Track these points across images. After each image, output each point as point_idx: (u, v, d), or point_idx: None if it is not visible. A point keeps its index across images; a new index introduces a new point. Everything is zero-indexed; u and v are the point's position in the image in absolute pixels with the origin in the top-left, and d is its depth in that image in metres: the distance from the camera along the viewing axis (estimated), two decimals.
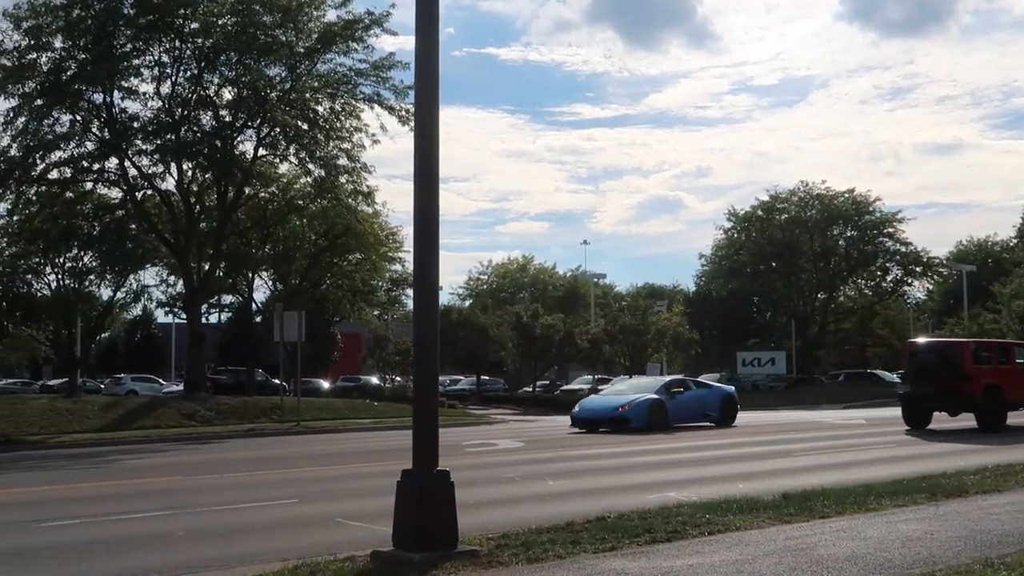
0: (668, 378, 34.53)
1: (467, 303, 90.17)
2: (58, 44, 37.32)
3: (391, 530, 9.20)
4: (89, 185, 40.68)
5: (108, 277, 47.70)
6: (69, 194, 40.41)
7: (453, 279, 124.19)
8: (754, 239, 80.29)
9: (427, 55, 9.40)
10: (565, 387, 62.89)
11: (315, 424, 34.57)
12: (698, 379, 36.41)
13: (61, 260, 44.64)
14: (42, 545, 11.21)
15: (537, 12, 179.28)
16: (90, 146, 38.81)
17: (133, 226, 42.03)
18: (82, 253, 44.54)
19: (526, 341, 55.84)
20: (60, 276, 46.10)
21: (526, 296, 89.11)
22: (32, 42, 36.63)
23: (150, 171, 39.58)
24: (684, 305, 77.58)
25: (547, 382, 68.84)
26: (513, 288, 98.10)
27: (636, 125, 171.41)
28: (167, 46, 38.53)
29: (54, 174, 39.11)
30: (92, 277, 47.06)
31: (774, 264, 79.65)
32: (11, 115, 36.76)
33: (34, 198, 39.85)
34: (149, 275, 52.19)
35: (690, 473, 17.41)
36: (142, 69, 38.64)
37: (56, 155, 38.32)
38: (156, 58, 38.67)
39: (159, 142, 38.77)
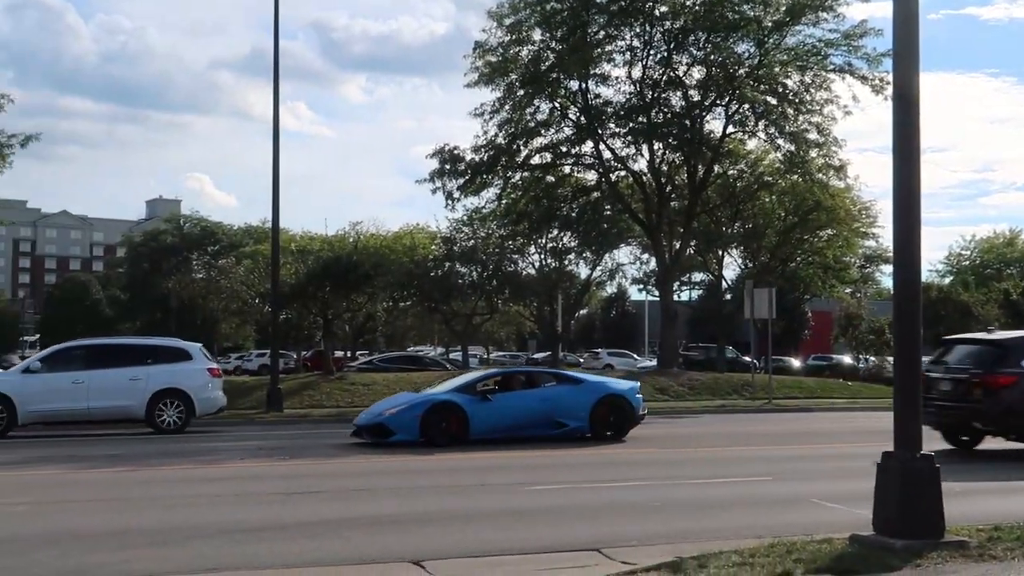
0: (487, 371, 24.83)
1: (947, 280, 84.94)
2: (536, 37, 39.57)
3: (869, 514, 8.84)
4: (567, 169, 42.84)
5: (586, 256, 49.97)
6: (550, 178, 42.79)
7: (931, 255, 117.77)
8: None
9: (906, 20, 8.88)
10: None
11: (786, 403, 34.09)
12: (564, 371, 24.72)
13: (543, 240, 47.33)
14: (529, 507, 11.96)
15: None
16: (567, 131, 40.91)
17: (608, 207, 43.64)
18: (562, 233, 46.91)
19: (1015, 320, 51.60)
20: (542, 256, 48.99)
21: (1014, 272, 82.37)
22: (513, 37, 39.13)
23: (623, 153, 40.98)
24: None
25: None
26: (999, 264, 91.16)
27: None
28: (637, 31, 39.58)
29: (536, 159, 41.58)
30: (571, 256, 49.54)
31: None
32: (497, 105, 39.56)
33: (519, 182, 42.59)
34: (623, 254, 53.95)
35: None
36: (614, 55, 40.03)
37: (537, 141, 40.81)
38: (627, 43, 39.87)
39: (631, 125, 39.99)
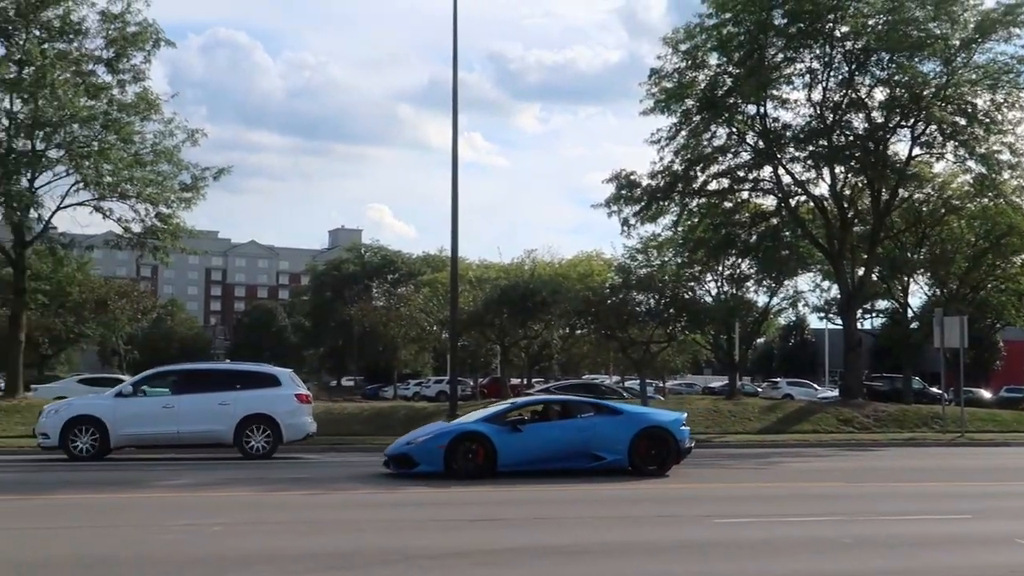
0: (519, 400, 23.28)
1: None
2: (713, 61, 39.08)
3: None
4: (745, 194, 42.09)
5: (764, 283, 49.05)
6: (727, 204, 42.12)
7: None
8: None
9: None
10: None
11: (980, 436, 32.51)
12: (602, 401, 22.83)
13: (720, 268, 46.67)
14: (716, 540, 11.66)
15: None
16: (745, 156, 40.21)
17: (787, 233, 42.67)
18: (740, 260, 46.17)
19: None
20: (719, 283, 48.31)
21: None
22: (689, 62, 38.76)
23: (803, 177, 39.99)
24: None
25: None
26: None
27: None
28: (817, 52, 38.65)
29: (713, 185, 40.99)
30: (749, 283, 48.71)
31: None
32: (673, 131, 39.20)
33: (695, 209, 42.07)
34: (803, 281, 52.67)
35: None
36: (793, 78, 39.18)
37: (714, 167, 40.22)
38: (807, 65, 38.96)
39: (811, 148, 39.02)
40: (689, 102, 39.05)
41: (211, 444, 23.08)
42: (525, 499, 15.52)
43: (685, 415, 20.16)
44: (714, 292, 47.93)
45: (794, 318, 77.31)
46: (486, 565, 10.16)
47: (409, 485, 16.86)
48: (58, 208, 34.18)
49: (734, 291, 47.96)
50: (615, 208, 39.40)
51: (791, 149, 39.63)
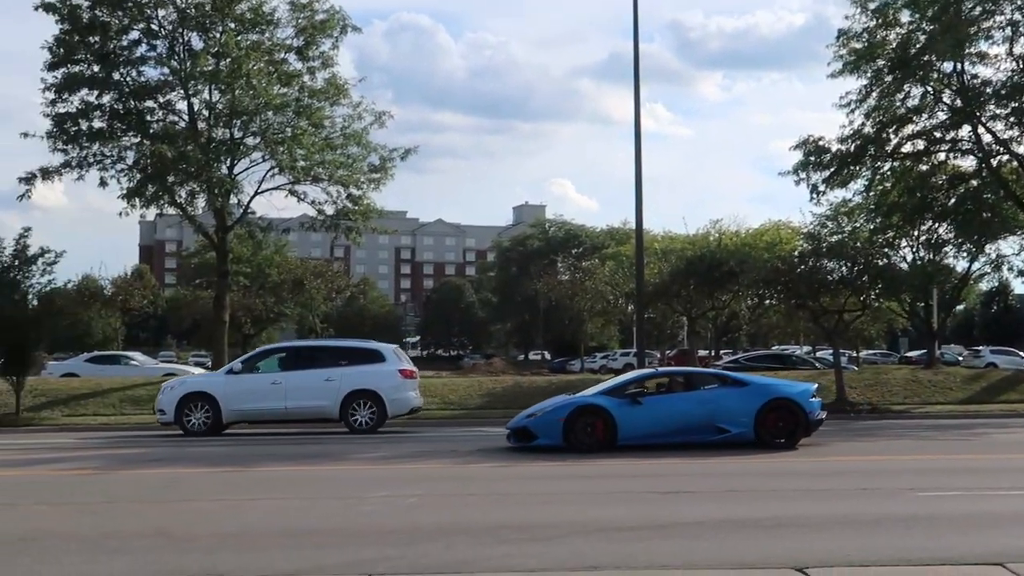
0: (641, 372, 21.84)
1: None
2: (904, 19, 37.42)
3: None
4: (942, 156, 40.27)
5: (964, 248, 46.87)
6: (922, 166, 40.40)
7: None
8: None
9: None
10: None
11: None
12: (728, 373, 21.76)
13: (916, 233, 44.86)
14: (916, 514, 11.25)
15: None
16: (941, 116, 38.40)
17: (989, 194, 40.62)
18: (936, 224, 44.28)
19: None
20: (915, 248, 46.46)
21: None
22: (879, 21, 37.22)
23: (1005, 136, 37.94)
24: None
25: None
26: None
27: None
28: (1019, 3, 36.57)
29: (907, 147, 39.34)
30: (947, 248, 46.65)
31: None
32: (863, 94, 37.77)
33: (888, 173, 40.53)
34: (1006, 244, 50.06)
35: None
36: (992, 31, 37.14)
37: (908, 128, 38.56)
38: (1007, 18, 36.87)
39: (1014, 105, 36.97)
40: (880, 62, 37.53)
41: (318, 419, 23.72)
42: (688, 471, 15.31)
43: (816, 386, 19.56)
44: (909, 258, 46.19)
45: (997, 284, 73.74)
46: (682, 538, 10.07)
47: (563, 459, 16.88)
48: (256, 193, 35.51)
49: (931, 257, 46.07)
50: (803, 175, 38.33)
51: (992, 106, 37.60)
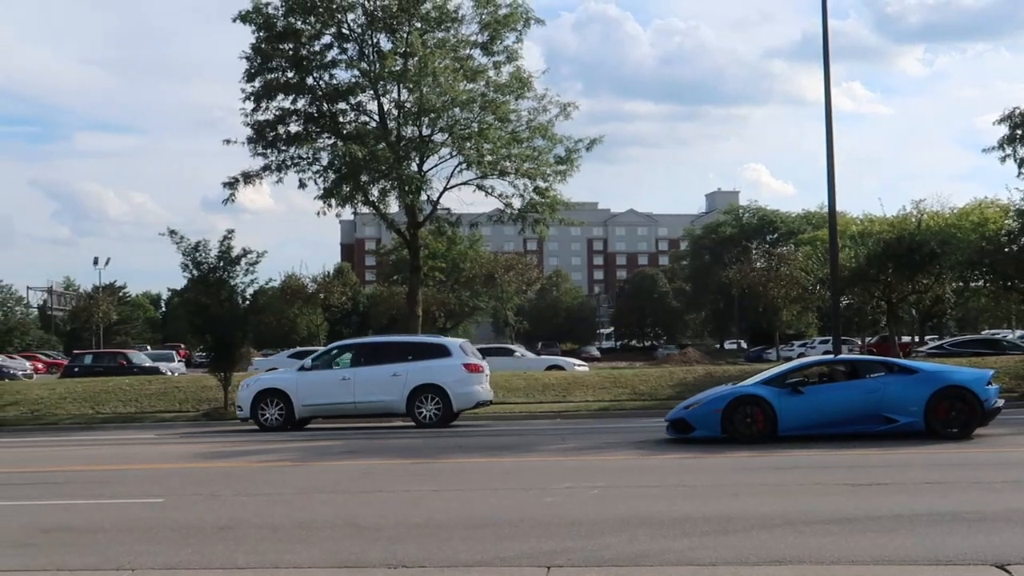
0: (802, 361, 20.80)
1: None
2: None
3: None
4: None
5: None
6: None
7: None
8: None
9: None
10: None
11: None
12: (895, 360, 20.33)
13: None
14: None
15: None
16: None
17: None
18: None
19: None
20: None
21: None
22: None
23: None
24: None
25: None
26: None
27: None
28: None
29: None
30: None
31: None
32: None
33: None
34: None
35: None
36: None
37: None
38: None
39: None
40: None
41: (386, 414, 23.92)
42: (869, 463, 14.64)
43: (992, 373, 18.37)
44: None
45: None
46: (873, 532, 9.64)
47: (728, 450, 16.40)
48: (445, 189, 36.22)
49: None
50: (1009, 150, 36.35)
51: None
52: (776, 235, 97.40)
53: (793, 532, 9.70)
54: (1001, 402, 18.14)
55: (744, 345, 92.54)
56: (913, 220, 47.07)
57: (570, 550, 9.19)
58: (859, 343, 57.76)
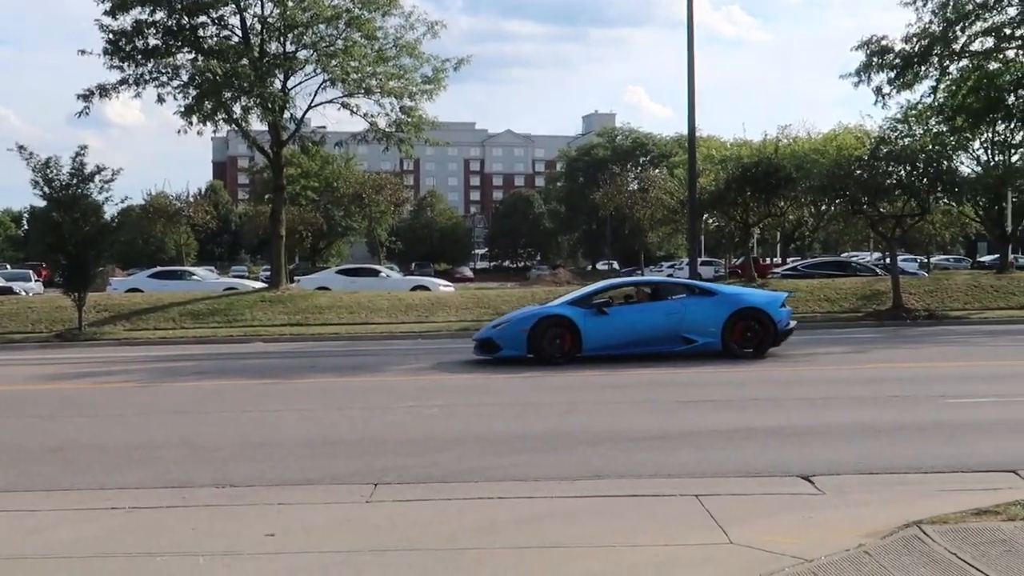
0: (607, 282, 21.87)
1: None
2: None
3: None
4: (1011, 54, 38.86)
5: None
6: (992, 65, 39.07)
7: None
8: None
9: None
10: None
11: None
12: (697, 283, 21.58)
13: (986, 134, 43.48)
14: (941, 421, 11.09)
15: None
16: (1012, 12, 36.96)
17: None
18: (1010, 125, 42.85)
19: None
20: (989, 151, 45.07)
21: None
22: None
23: None
24: None
25: None
26: None
27: None
28: None
29: (975, 46, 38.01)
30: (1022, 150, 45.19)
31: None
32: None
33: (956, 73, 39.27)
34: None
35: None
36: None
37: (977, 26, 37.18)
38: None
39: None
40: None
41: None
42: (675, 381, 15.21)
43: (786, 295, 19.20)
44: (982, 160, 44.84)
45: None
46: (691, 447, 10.04)
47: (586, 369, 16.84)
48: (309, 107, 35.59)
49: (1004, 159, 44.68)
50: (864, 77, 37.29)
51: None
52: (649, 157, 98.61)
53: (617, 448, 10.07)
54: (794, 323, 18.95)
55: (616, 266, 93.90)
56: (772, 145, 48.15)
57: (401, 467, 9.37)
58: (724, 264, 59.15)
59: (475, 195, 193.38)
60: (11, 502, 8.41)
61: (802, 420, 11.41)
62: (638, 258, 73.51)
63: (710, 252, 75.41)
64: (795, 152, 44.09)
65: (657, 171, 73.06)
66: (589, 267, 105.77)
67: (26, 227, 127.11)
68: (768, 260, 60.89)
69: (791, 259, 60.95)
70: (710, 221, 47.75)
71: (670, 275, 63.38)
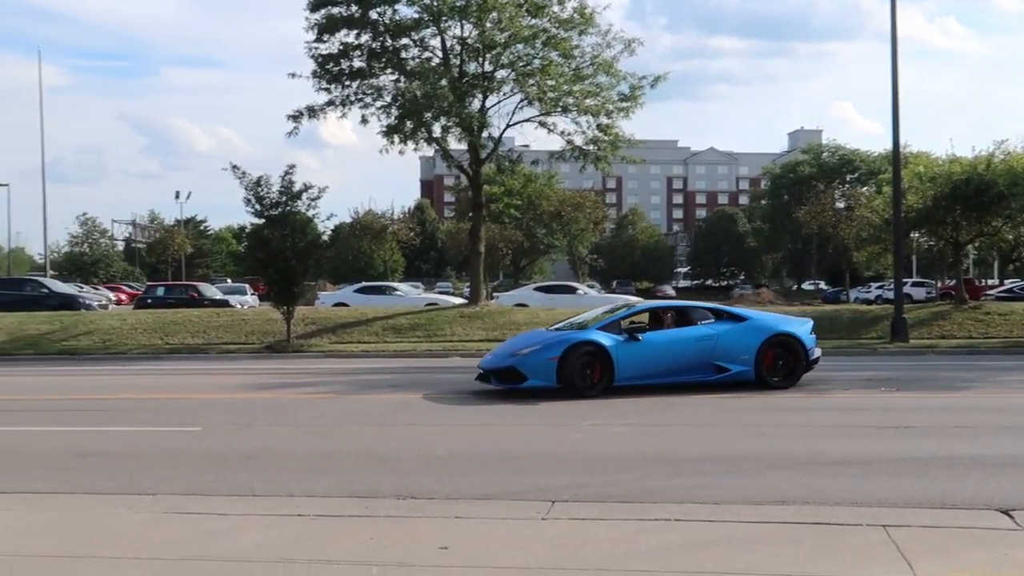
0: (636, 305, 19.17)
1: None
2: None
3: None
4: None
5: None
6: None
7: None
8: None
9: None
10: None
11: None
12: (725, 307, 18.68)
13: None
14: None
15: None
16: None
17: None
18: None
19: None
20: None
21: None
22: None
23: None
24: None
25: None
26: None
27: None
28: None
29: None
30: None
31: None
32: None
33: None
34: None
35: None
36: None
37: None
38: None
39: None
40: None
41: None
42: (866, 406, 14.47)
43: (812, 323, 17.84)
44: None
45: None
46: (874, 477, 9.60)
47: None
48: (507, 126, 36.09)
49: None
50: None
51: None
52: (856, 174, 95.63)
53: (804, 473, 9.72)
54: (819, 351, 17.77)
55: (823, 286, 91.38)
56: (985, 160, 45.82)
57: (578, 486, 9.34)
58: (936, 284, 56.64)
59: (678, 213, 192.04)
60: (203, 505, 8.77)
61: (1001, 450, 10.75)
62: (844, 278, 71.38)
63: (922, 272, 72.47)
64: (1012, 168, 41.56)
65: (865, 188, 70.73)
66: (794, 287, 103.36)
67: (245, 243, 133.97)
68: (983, 281, 58.09)
69: (1008, 280, 57.92)
70: (920, 240, 45.85)
71: (878, 295, 61.29)
